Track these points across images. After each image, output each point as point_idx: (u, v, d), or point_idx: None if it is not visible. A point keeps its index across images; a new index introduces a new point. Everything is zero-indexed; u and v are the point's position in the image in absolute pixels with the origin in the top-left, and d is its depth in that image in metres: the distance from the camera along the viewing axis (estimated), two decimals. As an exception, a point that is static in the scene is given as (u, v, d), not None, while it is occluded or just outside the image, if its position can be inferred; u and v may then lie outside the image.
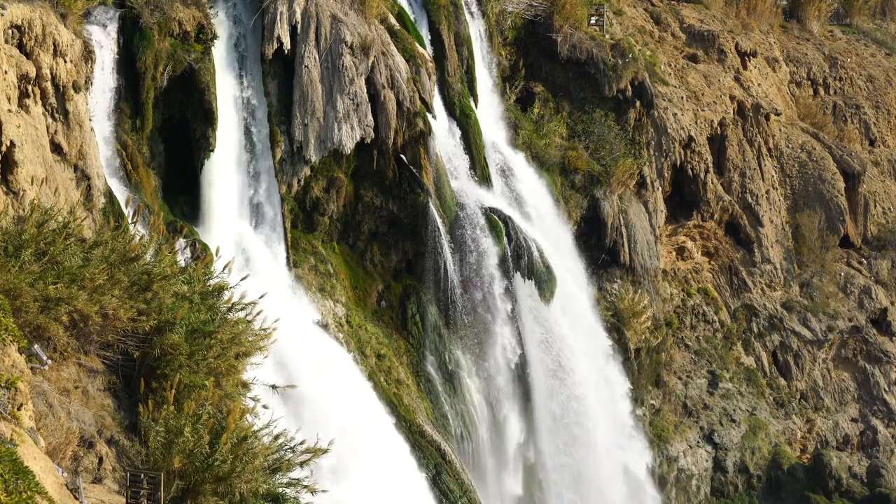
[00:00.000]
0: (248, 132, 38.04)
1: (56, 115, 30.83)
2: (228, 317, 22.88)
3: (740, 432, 51.74)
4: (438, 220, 40.61)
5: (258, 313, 23.37)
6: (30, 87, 29.78)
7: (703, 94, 54.59)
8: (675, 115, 52.13)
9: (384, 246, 41.25)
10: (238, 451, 19.58)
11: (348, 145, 38.75)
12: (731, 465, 51.23)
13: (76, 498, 17.22)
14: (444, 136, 42.86)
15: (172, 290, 22.16)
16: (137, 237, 23.15)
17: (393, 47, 40.37)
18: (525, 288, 42.53)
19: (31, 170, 27.96)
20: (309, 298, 38.54)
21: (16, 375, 17.05)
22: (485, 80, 47.10)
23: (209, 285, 23.60)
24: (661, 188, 51.49)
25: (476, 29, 47.11)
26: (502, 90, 48.47)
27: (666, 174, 52.06)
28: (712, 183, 53.70)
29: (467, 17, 46.05)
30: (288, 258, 38.50)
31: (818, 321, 55.66)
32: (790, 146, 59.14)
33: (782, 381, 54.62)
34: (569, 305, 44.33)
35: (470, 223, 41.50)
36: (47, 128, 30.31)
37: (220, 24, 37.45)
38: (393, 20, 41.85)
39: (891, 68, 66.90)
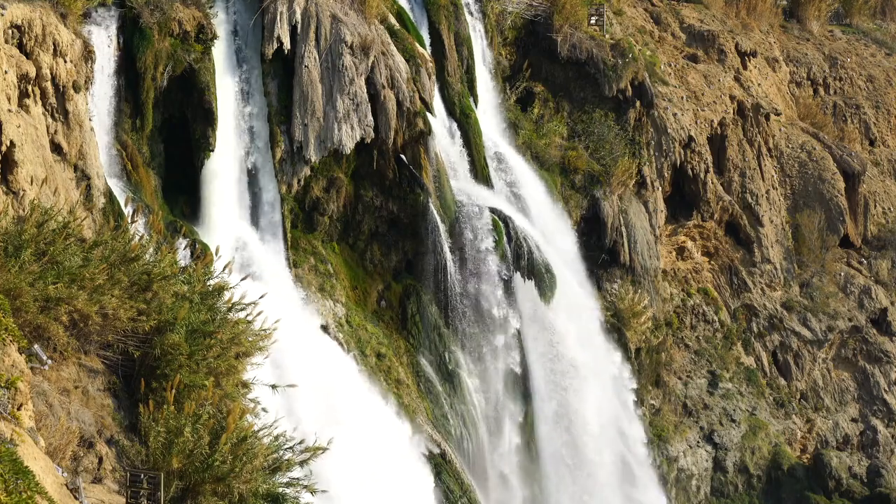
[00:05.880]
0: (248, 132, 38.04)
1: (56, 115, 30.82)
2: (228, 317, 22.88)
3: (740, 432, 51.75)
4: (438, 220, 40.61)
5: (258, 314, 23.37)
6: (30, 87, 29.77)
7: (703, 94, 54.59)
8: (675, 115, 52.14)
9: (384, 246, 41.25)
10: (238, 452, 19.59)
11: (348, 145, 38.74)
12: (731, 465, 51.24)
13: (76, 498, 17.22)
14: (444, 136, 42.86)
15: (172, 290, 22.15)
16: (137, 237, 23.14)
17: (393, 47, 40.37)
18: (525, 288, 42.52)
19: (31, 170, 27.96)
20: (309, 298, 38.54)
21: (16, 375, 17.05)
22: (485, 80, 47.10)
23: (209, 285, 23.60)
24: (661, 188, 51.50)
25: (476, 29, 47.11)
26: (502, 90, 48.46)
27: (666, 174, 52.06)
28: (712, 183, 53.70)
29: (467, 17, 46.05)
30: (288, 258, 38.50)
31: (818, 321, 55.67)
32: (790, 146, 59.14)
33: (782, 381, 54.63)
34: (569, 305, 44.32)
35: (470, 223, 41.49)
36: (47, 128, 30.31)
37: (220, 23, 37.45)
38: (393, 20, 41.85)
39: (891, 68, 66.90)
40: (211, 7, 36.96)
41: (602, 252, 48.03)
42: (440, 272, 40.95)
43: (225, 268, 24.19)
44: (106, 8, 34.47)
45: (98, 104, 33.72)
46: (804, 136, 59.94)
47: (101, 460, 19.64)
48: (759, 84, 58.83)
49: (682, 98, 53.38)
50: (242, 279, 25.23)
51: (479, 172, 43.88)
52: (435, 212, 40.58)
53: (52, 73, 30.42)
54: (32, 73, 29.67)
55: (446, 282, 40.98)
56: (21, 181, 27.61)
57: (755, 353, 54.40)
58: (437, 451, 38.47)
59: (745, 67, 58.73)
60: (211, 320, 22.17)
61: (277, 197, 38.25)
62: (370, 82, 39.27)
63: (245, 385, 23.01)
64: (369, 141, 39.32)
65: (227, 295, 23.46)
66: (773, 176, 57.12)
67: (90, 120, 32.44)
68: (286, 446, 20.99)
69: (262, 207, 38.12)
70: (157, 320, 21.54)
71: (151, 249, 22.95)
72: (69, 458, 18.87)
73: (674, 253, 53.65)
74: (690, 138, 52.44)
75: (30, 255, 20.31)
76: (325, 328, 38.29)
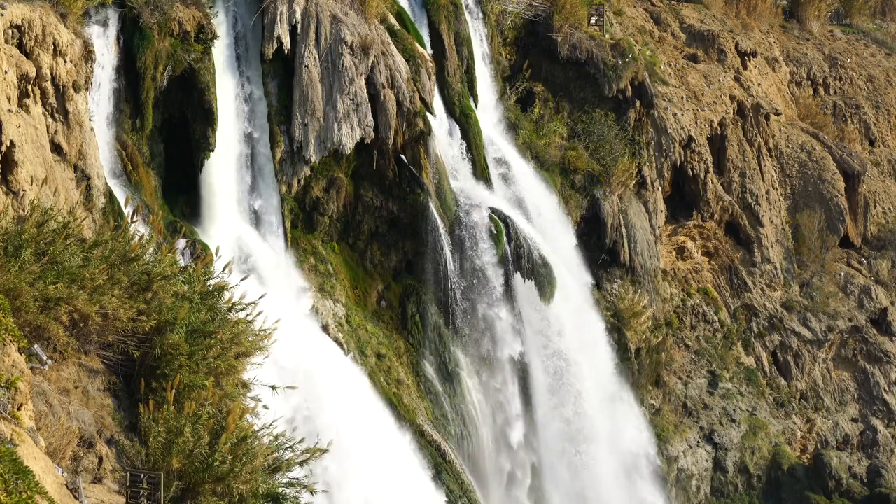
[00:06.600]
0: (248, 132, 38.04)
1: (56, 115, 30.82)
2: (228, 317, 22.88)
3: (740, 432, 51.74)
4: (438, 220, 40.61)
5: (258, 314, 23.38)
6: (30, 87, 29.78)
7: (703, 94, 54.59)
8: (675, 115, 52.14)
9: (384, 246, 41.26)
10: (238, 452, 19.59)
11: (348, 145, 38.75)
12: (731, 465, 51.23)
13: (76, 498, 17.23)
14: (444, 136, 42.86)
15: (172, 290, 22.15)
16: (137, 237, 23.14)
17: (393, 47, 40.37)
18: (525, 288, 42.52)
19: (31, 170, 27.96)
20: (309, 298, 38.55)
21: (16, 375, 17.05)
22: (485, 80, 47.10)
23: (209, 285, 23.60)
24: (661, 188, 51.49)
25: (476, 29, 47.11)
26: (502, 90, 48.46)
27: (666, 174, 52.05)
28: (712, 183, 53.70)
29: (467, 17, 46.05)
30: (288, 258, 38.50)
31: (818, 321, 55.67)
32: (790, 146, 59.14)
33: (782, 381, 54.63)
34: (569, 305, 44.33)
35: (470, 223, 41.50)
36: (47, 128, 30.31)
37: (220, 24, 37.45)
38: (393, 20, 41.85)
39: (891, 68, 66.90)
40: (211, 7, 36.95)
41: (602, 252, 48.03)
42: (440, 272, 40.96)
43: (225, 268, 24.20)
44: (106, 8, 34.47)
45: (98, 104, 33.72)
46: (804, 136, 59.94)
47: (101, 460, 19.64)
48: (759, 84, 58.83)
49: (682, 98, 53.38)
50: (242, 279, 25.24)
51: (479, 172, 43.87)
52: (435, 212, 40.58)
53: (52, 73, 30.42)
54: (32, 73, 29.67)
55: (446, 282, 40.99)
56: (21, 181, 27.61)
57: (755, 353, 54.40)
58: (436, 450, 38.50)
59: (745, 67, 58.73)
60: (211, 320, 22.17)
61: (277, 197, 38.25)
62: (370, 82, 39.28)
63: (245, 385, 23.02)
64: (369, 141, 39.33)
65: (227, 295, 23.46)
66: (773, 176, 57.12)
67: (90, 120, 32.44)
68: (286, 446, 21.00)
69: (262, 207, 38.12)
70: (157, 320, 21.55)
71: (151, 249, 22.96)
72: (69, 458, 18.87)
73: (674, 253, 53.65)
74: (690, 138, 52.43)
75: (30, 255, 20.31)
76: (325, 328, 38.30)
